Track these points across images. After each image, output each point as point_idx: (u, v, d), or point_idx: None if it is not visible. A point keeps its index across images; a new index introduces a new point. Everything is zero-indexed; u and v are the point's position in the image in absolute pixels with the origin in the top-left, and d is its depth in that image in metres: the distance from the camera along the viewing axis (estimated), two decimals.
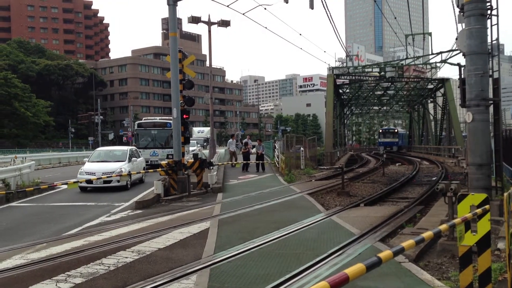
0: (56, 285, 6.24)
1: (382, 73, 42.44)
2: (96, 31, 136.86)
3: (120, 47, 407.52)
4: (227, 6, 22.71)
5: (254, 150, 29.28)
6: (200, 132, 44.18)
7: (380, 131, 70.83)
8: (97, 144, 64.30)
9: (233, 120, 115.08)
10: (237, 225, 10.19)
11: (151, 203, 14.19)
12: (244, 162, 26.58)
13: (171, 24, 17.06)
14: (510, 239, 5.20)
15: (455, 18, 12.97)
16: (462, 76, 10.47)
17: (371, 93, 51.88)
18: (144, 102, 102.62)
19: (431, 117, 53.38)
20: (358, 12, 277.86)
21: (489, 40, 10.08)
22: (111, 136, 76.40)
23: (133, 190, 17.92)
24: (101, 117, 75.54)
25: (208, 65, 34.75)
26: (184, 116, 17.34)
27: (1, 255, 8.05)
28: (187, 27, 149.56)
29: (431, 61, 40.52)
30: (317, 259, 7.01)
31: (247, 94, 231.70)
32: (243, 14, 23.50)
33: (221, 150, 37.01)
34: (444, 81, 44.05)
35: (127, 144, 48.52)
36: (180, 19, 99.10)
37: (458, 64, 13.59)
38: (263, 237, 8.71)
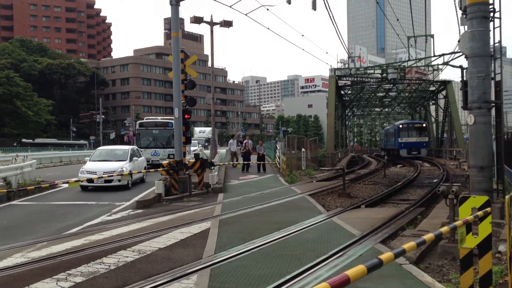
0: (56, 283, 6.24)
1: (384, 74, 42.46)
2: (99, 31, 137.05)
3: (122, 46, 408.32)
4: (230, 6, 22.73)
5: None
6: (202, 132, 44.22)
7: (400, 126, 47.67)
8: (99, 144, 64.37)
9: (235, 120, 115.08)
10: (238, 226, 10.19)
11: (152, 203, 14.19)
12: (245, 162, 26.59)
13: (173, 24, 17.07)
14: (511, 242, 5.19)
15: (458, 21, 12.97)
16: (464, 78, 10.46)
17: (372, 94, 51.87)
18: (146, 102, 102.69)
19: (433, 119, 53.36)
20: (360, 13, 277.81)
21: (491, 43, 10.06)
22: (112, 136, 76.45)
23: (134, 189, 17.93)
24: (103, 116, 75.58)
25: (210, 65, 34.79)
26: (186, 116, 17.35)
27: (2, 253, 8.06)
28: (190, 27, 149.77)
29: (433, 63, 40.51)
30: (318, 260, 7.00)
31: (249, 94, 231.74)
32: (246, 14, 23.54)
33: (222, 151, 37.01)
34: (446, 83, 44.03)
35: (128, 143, 48.56)
36: (182, 19, 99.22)
37: (460, 66, 13.61)
38: (264, 238, 8.70)
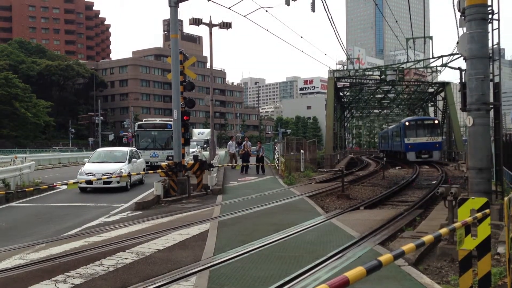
0: (55, 285, 6.23)
1: (383, 76, 42.47)
2: (97, 32, 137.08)
3: (121, 48, 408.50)
4: (229, 8, 22.70)
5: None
6: (200, 133, 44.23)
7: (406, 123, 39.28)
8: (97, 145, 64.35)
9: (234, 122, 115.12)
10: (237, 227, 10.18)
11: (151, 204, 14.18)
12: (244, 164, 26.57)
13: (172, 26, 17.08)
14: (510, 244, 5.19)
15: (456, 22, 12.98)
16: (463, 80, 10.48)
17: (371, 96, 51.93)
18: (145, 103, 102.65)
19: None
20: (359, 15, 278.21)
21: (490, 44, 10.08)
22: (111, 137, 76.47)
23: (133, 191, 17.91)
24: (101, 118, 75.60)
25: (209, 67, 34.80)
26: (185, 117, 17.35)
27: (1, 255, 8.04)
28: (188, 29, 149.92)
29: (431, 64, 40.58)
30: (317, 262, 7.00)
31: (248, 96, 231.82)
32: (245, 16, 23.53)
33: (221, 152, 37.01)
34: (444, 85, 44.11)
35: (127, 145, 48.58)
36: (181, 21, 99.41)
37: (459, 68, 13.63)
38: (263, 239, 8.70)
